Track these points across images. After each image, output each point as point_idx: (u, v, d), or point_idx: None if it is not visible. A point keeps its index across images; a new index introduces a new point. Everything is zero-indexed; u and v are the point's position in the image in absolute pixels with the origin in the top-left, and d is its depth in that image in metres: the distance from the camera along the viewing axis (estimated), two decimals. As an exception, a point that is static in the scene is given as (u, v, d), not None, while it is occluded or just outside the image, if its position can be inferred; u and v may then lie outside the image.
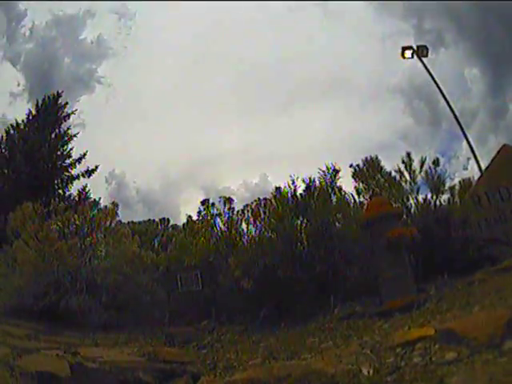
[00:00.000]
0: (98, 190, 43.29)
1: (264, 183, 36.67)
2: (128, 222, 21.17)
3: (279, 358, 6.56)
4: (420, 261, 10.66)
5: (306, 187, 12.77)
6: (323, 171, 12.99)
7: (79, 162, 28.67)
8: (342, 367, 4.77)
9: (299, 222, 12.24)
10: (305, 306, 10.67)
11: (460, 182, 14.85)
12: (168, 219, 26.11)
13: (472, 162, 20.68)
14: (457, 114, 21.50)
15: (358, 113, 50.92)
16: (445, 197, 13.02)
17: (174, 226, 24.46)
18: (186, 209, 74.35)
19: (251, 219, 13.07)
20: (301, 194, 12.74)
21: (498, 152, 13.33)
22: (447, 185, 13.22)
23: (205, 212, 14.26)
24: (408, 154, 13.34)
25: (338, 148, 45.64)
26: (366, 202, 13.04)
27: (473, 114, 43.90)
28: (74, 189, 28.00)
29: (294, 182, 12.86)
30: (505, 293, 6.54)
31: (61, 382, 5.88)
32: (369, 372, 4.58)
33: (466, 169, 30.86)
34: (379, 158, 14.05)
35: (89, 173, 28.52)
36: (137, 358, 6.71)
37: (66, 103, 29.58)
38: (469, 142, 21.44)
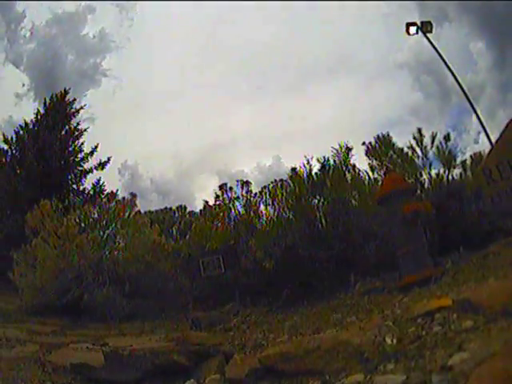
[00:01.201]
0: (112, 182, 43.23)
1: (277, 165, 36.81)
2: (145, 212, 21.27)
3: (305, 334, 6.78)
4: (435, 235, 10.89)
5: (321, 167, 12.99)
6: (336, 150, 13.22)
7: (91, 156, 28.52)
8: (367, 338, 5.06)
9: (316, 201, 12.47)
10: (326, 284, 10.91)
11: (471, 156, 15.00)
12: (185, 206, 26.22)
13: (483, 135, 20.77)
14: (465, 88, 21.51)
15: (367, 90, 50.85)
16: (457, 171, 13.18)
17: (191, 213, 24.59)
18: (202, 195, 74.29)
19: (269, 201, 13.32)
20: (316, 174, 12.93)
21: (507, 126, 13.35)
22: (459, 159, 13.35)
23: (222, 197, 14.43)
24: (419, 130, 13.51)
25: (348, 125, 45.70)
26: (380, 178, 13.16)
27: (481, 88, 43.80)
28: (88, 183, 27.96)
29: (308, 162, 13.07)
30: None
31: (96, 371, 6.28)
32: (392, 341, 4.88)
33: (477, 143, 30.98)
34: (390, 134, 14.20)
35: (102, 165, 28.39)
36: (166, 344, 6.90)
37: (74, 99, 29.30)
38: (478, 116, 21.44)
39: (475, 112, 21.48)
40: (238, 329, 9.26)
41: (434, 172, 13.14)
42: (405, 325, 5.46)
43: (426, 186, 12.94)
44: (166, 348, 6.60)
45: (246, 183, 14.24)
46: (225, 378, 5.67)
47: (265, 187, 13.94)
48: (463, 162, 13.76)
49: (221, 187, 14.65)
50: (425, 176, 13.06)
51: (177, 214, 25.57)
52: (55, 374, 6.42)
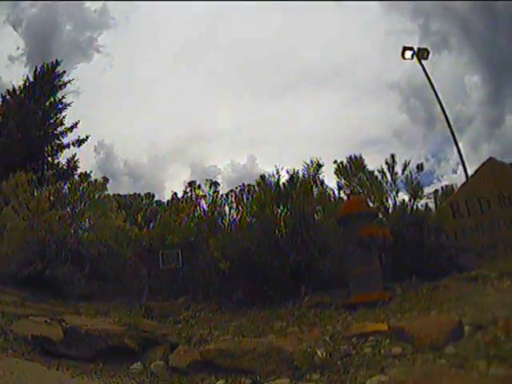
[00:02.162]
0: (87, 160, 43.21)
1: (251, 165, 37.06)
2: (114, 195, 21.30)
3: (247, 336, 7.10)
4: (390, 261, 11.07)
5: (290, 178, 13.13)
6: (307, 164, 13.34)
7: (71, 131, 28.59)
8: (300, 348, 5.36)
9: (280, 210, 12.57)
10: (278, 292, 11.04)
11: (442, 187, 15.21)
12: (153, 194, 26.44)
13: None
14: (451, 117, 21.91)
15: (353, 106, 51.23)
16: (423, 202, 13.29)
17: (159, 202, 24.67)
18: (172, 184, 74.42)
19: (234, 204, 13.51)
20: (284, 184, 13.06)
21: (483, 164, 13.52)
22: (434, 186, 13.51)
23: (190, 193, 14.56)
24: (392, 156, 13.64)
25: (330, 139, 45.95)
26: (346, 197, 13.38)
27: (469, 120, 44.40)
28: (63, 157, 27.87)
29: (278, 172, 13.21)
30: (464, 301, 6.95)
31: (55, 345, 6.50)
32: (323, 354, 5.16)
33: (455, 172, 31.38)
34: (363, 157, 14.31)
35: (79, 142, 28.45)
36: (119, 327, 7.10)
37: (64, 72, 29.49)
38: (458, 147, 21.82)
39: (455, 142, 21.90)
40: (186, 322, 9.49)
41: (400, 199, 13.28)
42: (339, 342, 5.81)
43: (390, 211, 13.04)
44: (118, 331, 6.86)
45: (215, 183, 14.40)
46: (168, 365, 6.02)
47: (231, 190, 14.13)
48: (434, 193, 13.96)
49: (190, 184, 14.78)
50: (390, 202, 13.19)
51: (144, 201, 25.65)
52: (16, 343, 6.62)
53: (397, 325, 5.88)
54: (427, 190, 13.56)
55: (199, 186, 14.64)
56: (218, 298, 11.73)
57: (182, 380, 5.54)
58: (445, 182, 15.54)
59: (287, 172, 13.33)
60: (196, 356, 5.92)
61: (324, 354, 5.25)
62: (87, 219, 14.90)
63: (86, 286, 12.42)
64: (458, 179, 15.93)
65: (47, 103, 28.22)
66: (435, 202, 14.41)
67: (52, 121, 28.26)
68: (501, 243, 12.13)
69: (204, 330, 8.16)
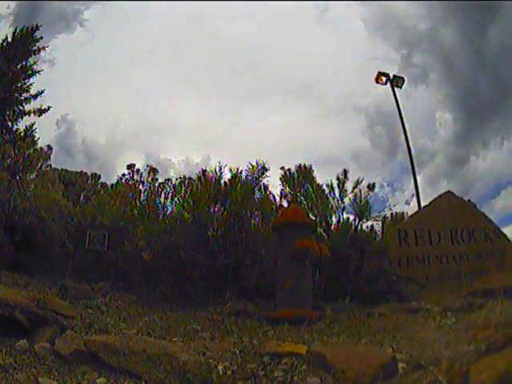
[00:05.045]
0: (47, 131, 42.71)
1: (205, 164, 36.58)
2: (61, 169, 21.05)
3: (152, 335, 6.47)
4: (325, 279, 10.56)
5: (231, 177, 12.47)
6: (252, 166, 12.73)
7: (35, 98, 28.13)
8: (197, 359, 4.59)
9: (216, 208, 12.03)
10: (201, 293, 10.49)
11: (392, 214, 14.82)
12: (99, 175, 26.06)
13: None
14: (414, 150, 22.03)
15: (318, 122, 51.34)
16: (369, 224, 12.87)
17: (103, 184, 24.45)
18: (123, 169, 73.94)
19: (170, 194, 12.88)
20: (225, 183, 12.39)
21: (440, 196, 13.25)
22: (382, 214, 13.14)
23: (129, 176, 14.18)
24: (344, 171, 13.04)
25: (287, 150, 45.86)
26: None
27: (431, 156, 44.84)
28: (23, 125, 27.59)
29: (220, 169, 12.52)
30: (400, 334, 6.23)
31: None
32: (224, 371, 4.43)
33: (408, 204, 31.43)
34: (313, 167, 13.76)
35: (40, 112, 27.98)
36: (26, 301, 6.54)
37: (41, 37, 29.03)
38: (415, 178, 21.85)
39: (413, 173, 21.91)
40: (98, 308, 8.86)
41: (345, 217, 12.70)
42: (250, 358, 5.01)
43: (332, 228, 12.50)
44: (19, 304, 6.19)
45: (153, 170, 14.01)
46: (53, 349, 5.43)
47: (168, 179, 13.65)
48: (383, 217, 13.58)
49: (129, 167, 14.39)
50: (334, 219, 12.66)
51: (90, 181, 25.43)
52: None
53: (317, 350, 5.07)
54: (376, 215, 13.07)
55: (138, 170, 14.18)
56: (138, 289, 11.11)
57: (62, 368, 4.95)
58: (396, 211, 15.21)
59: (230, 171, 12.63)
60: (81, 345, 5.34)
61: (225, 370, 4.54)
62: (25, 187, 14.21)
63: (14, 256, 11.78)
64: (411, 210, 15.65)
65: (18, 66, 27.77)
66: (382, 227, 13.99)
67: (19, 85, 27.76)
68: (448, 278, 11.88)
69: (111, 320, 7.61)
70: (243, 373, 4.51)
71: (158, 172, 14.12)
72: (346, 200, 12.74)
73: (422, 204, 19.23)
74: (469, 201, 13.32)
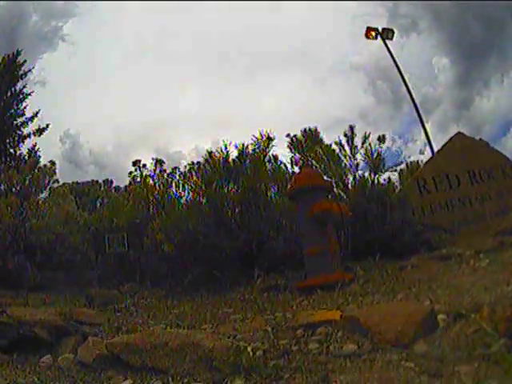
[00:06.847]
0: (52, 150, 43.31)
1: (216, 150, 36.63)
2: (72, 183, 21.18)
3: (182, 326, 6.23)
4: (351, 239, 10.34)
5: (239, 153, 12.28)
6: (257, 138, 12.51)
7: (31, 121, 28.12)
8: (222, 343, 4.29)
9: (230, 188, 11.84)
10: (229, 275, 10.30)
11: (407, 164, 14.60)
12: (111, 180, 26.22)
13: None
14: (418, 99, 21.85)
15: (318, 87, 51.43)
16: (386, 176, 12.62)
17: (117, 188, 24.50)
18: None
19: (181, 182, 12.74)
20: (233, 160, 12.22)
21: (451, 138, 13.01)
22: (399, 167, 12.95)
23: (135, 173, 14.10)
24: (351, 127, 12.77)
25: (295, 121, 45.94)
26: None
27: (436, 102, 44.95)
28: (26, 148, 27.70)
29: (226, 147, 12.31)
30: (436, 283, 5.98)
31: None
32: (254, 352, 4.14)
33: (422, 153, 31.14)
34: (319, 129, 13.67)
35: (40, 131, 28.01)
36: (48, 317, 6.38)
37: (25, 61, 28.95)
38: (424, 127, 21.60)
39: (422, 123, 21.62)
40: (127, 310, 8.70)
41: (360, 173, 12.44)
42: (282, 334, 4.72)
43: (349, 187, 12.26)
44: (31, 321, 5.93)
45: (160, 162, 13.86)
46: (76, 359, 5.13)
47: (176, 168, 13.61)
48: (400, 170, 13.36)
49: (134, 163, 14.25)
50: (350, 177, 12.41)
51: (103, 188, 25.55)
52: None
53: (351, 313, 4.71)
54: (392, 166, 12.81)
55: (144, 165, 14.04)
56: (166, 283, 10.98)
57: (87, 377, 4.62)
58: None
59: (236, 147, 12.42)
60: (103, 349, 5.01)
61: (256, 351, 4.22)
62: (37, 207, 14.18)
63: (38, 276, 11.73)
64: (425, 159, 15.44)
65: (8, 94, 27.75)
66: (400, 178, 13.77)
67: (12, 111, 27.76)
68: (474, 220, 11.79)
69: (140, 319, 7.37)
70: (275, 351, 4.21)
71: (163, 163, 13.97)
72: (358, 156, 12.50)
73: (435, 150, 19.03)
74: (480, 140, 13.11)
